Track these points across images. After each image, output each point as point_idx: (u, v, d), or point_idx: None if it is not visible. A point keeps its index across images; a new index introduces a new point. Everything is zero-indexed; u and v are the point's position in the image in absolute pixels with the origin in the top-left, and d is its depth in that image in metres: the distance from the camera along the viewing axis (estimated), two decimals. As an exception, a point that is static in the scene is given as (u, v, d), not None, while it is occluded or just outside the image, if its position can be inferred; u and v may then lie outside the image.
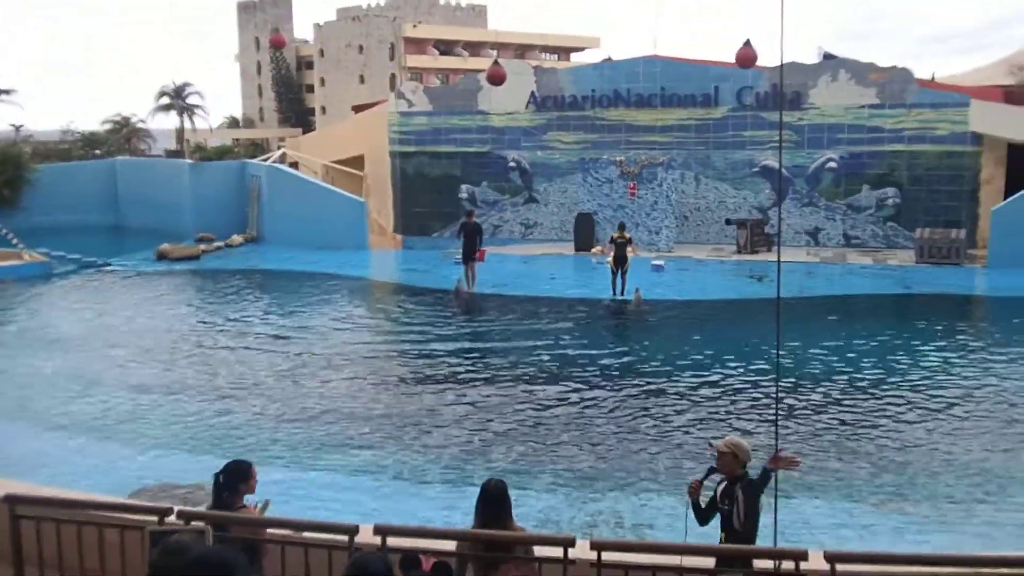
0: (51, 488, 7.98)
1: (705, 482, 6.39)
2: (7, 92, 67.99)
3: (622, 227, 20.54)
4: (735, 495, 6.21)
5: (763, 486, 6.31)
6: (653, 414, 12.47)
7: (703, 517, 6.36)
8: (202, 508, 6.16)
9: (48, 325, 18.72)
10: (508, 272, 23.42)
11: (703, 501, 6.40)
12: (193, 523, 5.51)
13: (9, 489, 6.56)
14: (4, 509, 5.99)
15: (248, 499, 6.01)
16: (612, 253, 20.15)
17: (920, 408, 12.60)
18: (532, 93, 28.65)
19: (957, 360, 15.06)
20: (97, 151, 51.78)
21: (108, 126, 62.54)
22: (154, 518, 5.80)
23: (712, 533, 6.35)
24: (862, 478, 10.22)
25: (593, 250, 26.56)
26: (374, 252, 27.66)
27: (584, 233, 27.09)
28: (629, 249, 20.06)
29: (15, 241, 26.21)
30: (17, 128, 61.55)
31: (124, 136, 61.23)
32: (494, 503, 5.66)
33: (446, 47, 74.27)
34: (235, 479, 5.97)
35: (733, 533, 6.20)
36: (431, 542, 5.76)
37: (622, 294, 19.82)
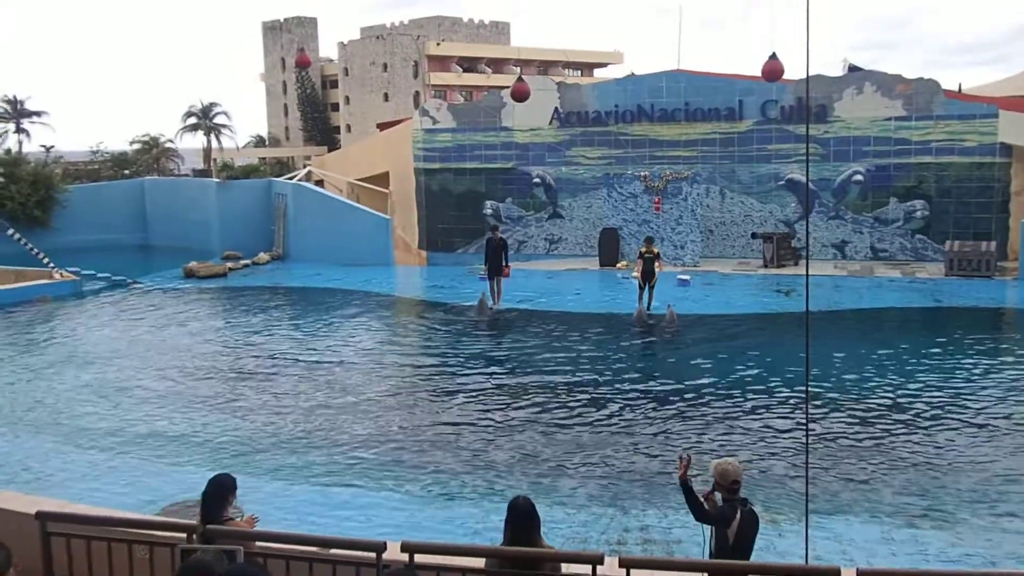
0: (81, 505, 8.05)
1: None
2: (38, 114, 69.21)
3: (650, 241, 20.33)
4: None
5: (688, 501, 6.26)
6: (682, 429, 12.37)
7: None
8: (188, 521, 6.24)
9: (79, 342, 18.92)
10: (533, 287, 23.41)
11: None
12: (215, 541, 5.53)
13: (40, 506, 6.62)
14: (35, 526, 6.04)
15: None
16: (640, 267, 19.98)
17: (954, 423, 12.42)
18: (556, 109, 28.72)
19: (991, 374, 14.85)
20: (126, 171, 52.44)
21: (137, 146, 63.34)
22: (183, 535, 5.83)
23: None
24: (894, 494, 10.07)
25: (619, 265, 26.51)
26: (399, 269, 27.77)
27: (609, 248, 27.05)
28: (657, 264, 19.91)
29: (46, 260, 26.56)
30: (48, 149, 62.49)
31: (153, 156, 61.96)
32: (523, 520, 5.62)
33: (469, 64, 74.73)
34: (225, 491, 6.07)
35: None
36: (459, 559, 5.74)
37: (649, 309, 19.69)
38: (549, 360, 16.44)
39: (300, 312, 22.30)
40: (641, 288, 19.81)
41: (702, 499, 6.27)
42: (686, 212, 26.64)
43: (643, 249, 20.02)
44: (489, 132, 29.53)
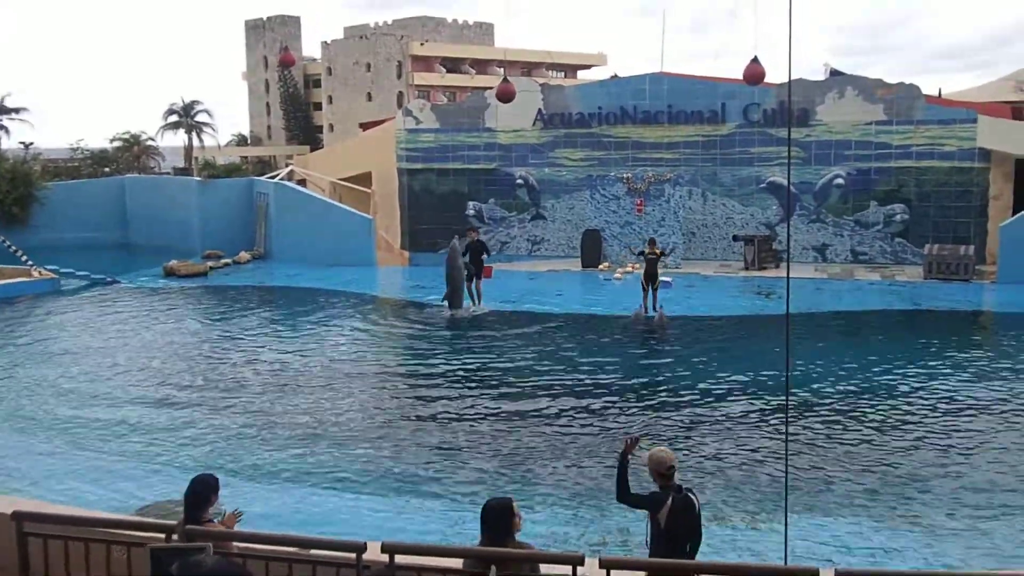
0: (58, 505, 7.98)
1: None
2: (17, 110, 68.56)
3: (652, 242, 20.10)
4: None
5: (618, 479, 6.35)
6: (663, 430, 12.41)
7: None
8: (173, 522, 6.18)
9: (56, 341, 18.75)
10: (515, 288, 23.39)
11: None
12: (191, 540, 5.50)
13: (17, 506, 6.55)
14: (11, 526, 5.98)
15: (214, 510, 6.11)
16: (643, 269, 19.85)
17: (931, 423, 12.53)
18: (539, 110, 28.75)
19: (969, 375, 14.98)
20: (106, 168, 52.07)
21: (117, 144, 62.82)
22: (161, 535, 5.79)
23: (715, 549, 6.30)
24: (872, 495, 10.14)
25: (601, 266, 26.56)
26: (381, 269, 27.70)
27: (591, 250, 27.10)
28: (660, 263, 19.69)
29: (25, 258, 26.32)
30: (27, 146, 61.89)
31: (134, 154, 61.52)
32: (497, 520, 5.62)
33: (453, 65, 74.60)
34: (207, 491, 6.03)
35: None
36: (439, 560, 5.73)
37: (655, 310, 19.42)
38: (530, 361, 16.45)
39: (279, 312, 22.21)
40: (644, 290, 19.67)
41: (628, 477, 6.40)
42: (668, 214, 26.74)
43: (646, 249, 19.83)
44: (472, 133, 29.53)
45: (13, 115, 68.26)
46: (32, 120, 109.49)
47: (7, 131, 67.28)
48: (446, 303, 20.59)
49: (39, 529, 6.03)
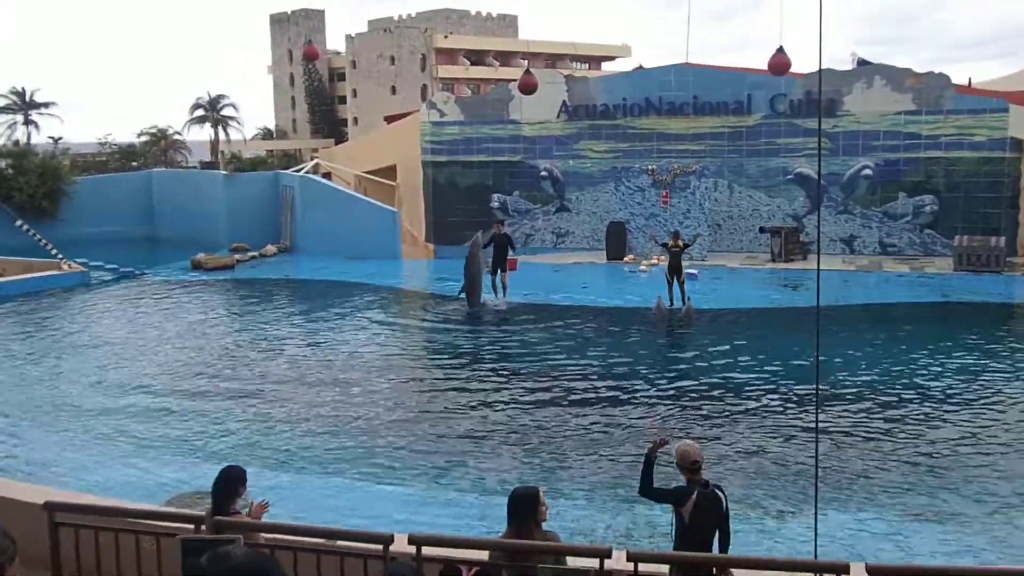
0: (89, 495, 8.06)
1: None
2: (46, 105, 69.29)
3: (676, 235, 19.99)
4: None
5: (642, 474, 6.31)
6: (690, 423, 12.35)
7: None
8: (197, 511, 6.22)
9: (87, 334, 18.96)
10: (540, 281, 23.32)
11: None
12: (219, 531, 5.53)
13: (48, 496, 6.63)
14: (43, 516, 6.04)
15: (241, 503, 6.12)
16: (667, 262, 19.79)
17: (962, 417, 12.37)
18: (563, 102, 28.64)
19: (999, 369, 14.78)
20: (134, 163, 52.51)
21: (145, 138, 63.32)
22: (190, 526, 5.83)
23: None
24: (902, 489, 10.04)
25: (626, 259, 26.45)
26: (406, 262, 27.76)
27: (616, 242, 27.00)
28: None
29: (54, 252, 26.62)
30: (56, 141, 62.54)
31: (161, 148, 61.98)
32: (523, 508, 5.62)
33: (477, 57, 74.53)
34: (234, 483, 6.05)
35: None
36: (466, 552, 5.73)
37: (683, 303, 19.39)
38: (556, 354, 16.41)
39: (305, 304, 22.31)
40: (669, 283, 19.60)
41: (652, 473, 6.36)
42: (694, 206, 26.58)
43: (669, 243, 19.75)
44: (496, 125, 29.48)
45: (42, 109, 69.01)
46: (61, 115, 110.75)
47: (36, 126, 68.05)
48: (464, 296, 20.61)
49: (70, 519, 6.09)
